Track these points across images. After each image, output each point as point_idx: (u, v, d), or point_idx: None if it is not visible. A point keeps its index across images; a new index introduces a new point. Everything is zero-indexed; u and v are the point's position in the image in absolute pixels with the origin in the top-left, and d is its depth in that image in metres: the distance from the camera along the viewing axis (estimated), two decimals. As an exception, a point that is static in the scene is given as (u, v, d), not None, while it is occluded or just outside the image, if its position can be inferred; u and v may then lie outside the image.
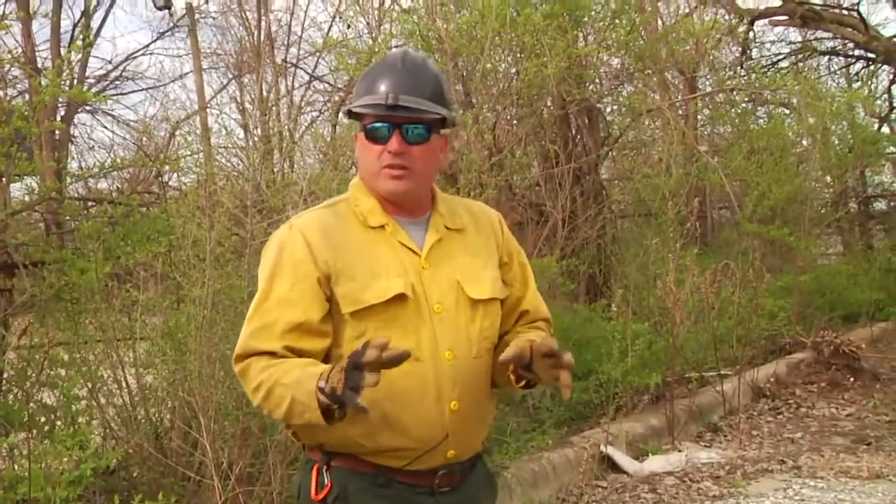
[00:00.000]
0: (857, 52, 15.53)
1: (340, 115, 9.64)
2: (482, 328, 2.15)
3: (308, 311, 2.05)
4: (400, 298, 2.05)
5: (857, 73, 16.18)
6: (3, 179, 4.79)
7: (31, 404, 4.16)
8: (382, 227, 2.12)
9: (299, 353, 2.04)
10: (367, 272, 2.07)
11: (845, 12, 14.00)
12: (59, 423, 4.31)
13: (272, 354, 2.04)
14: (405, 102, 2.06)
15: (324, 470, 2.09)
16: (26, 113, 4.48)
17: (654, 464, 6.09)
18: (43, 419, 4.22)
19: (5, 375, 4.37)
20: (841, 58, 16.09)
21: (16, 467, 4.09)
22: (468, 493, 2.18)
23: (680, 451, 6.43)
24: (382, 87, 2.09)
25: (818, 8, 13.36)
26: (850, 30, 13.58)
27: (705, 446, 6.74)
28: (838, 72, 16.35)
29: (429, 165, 2.15)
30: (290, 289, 2.06)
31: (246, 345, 2.06)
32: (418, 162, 2.10)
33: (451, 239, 2.19)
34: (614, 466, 5.96)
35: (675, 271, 6.70)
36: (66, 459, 3.69)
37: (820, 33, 14.76)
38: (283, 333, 2.04)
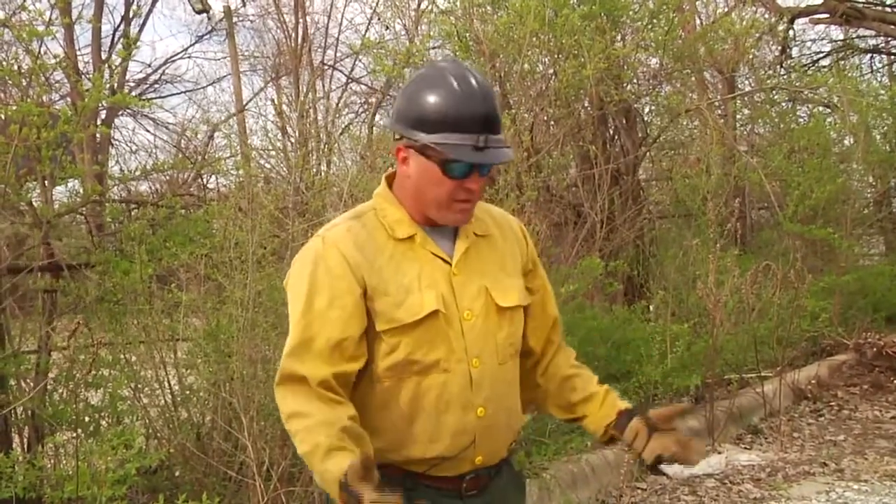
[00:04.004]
0: (900, 50, 15.31)
1: (377, 118, 9.69)
2: (508, 334, 2.16)
3: (347, 328, 2.02)
4: (433, 314, 2.04)
5: (900, 71, 15.95)
6: (47, 182, 4.86)
7: (78, 404, 4.22)
8: (411, 237, 2.10)
9: (336, 380, 2.01)
10: (400, 287, 2.05)
11: (888, 10, 13.79)
12: (103, 422, 4.37)
13: (307, 384, 1.99)
14: (493, 145, 2.01)
15: None
16: (71, 117, 4.54)
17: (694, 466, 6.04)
18: (87, 418, 4.28)
19: (51, 375, 4.44)
20: (884, 56, 15.86)
21: (59, 467, 4.18)
22: (496, 495, 2.17)
23: (720, 453, 6.38)
24: (466, 123, 1.99)
25: (860, 5, 13.18)
26: (893, 27, 13.37)
27: (746, 448, 6.68)
28: (881, 70, 16.12)
29: None
30: (328, 305, 2.02)
31: (286, 367, 2.02)
32: (480, 191, 2.10)
33: (479, 245, 2.18)
34: (654, 468, 5.92)
35: (715, 272, 6.65)
36: (109, 458, 3.74)
37: (862, 31, 14.55)
38: (322, 352, 2.00)
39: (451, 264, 2.12)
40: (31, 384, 4.39)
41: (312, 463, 1.95)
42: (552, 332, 2.33)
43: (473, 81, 2.03)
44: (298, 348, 2.02)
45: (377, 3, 11.28)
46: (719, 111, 10.27)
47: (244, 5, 14.68)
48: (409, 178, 2.09)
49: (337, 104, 11.52)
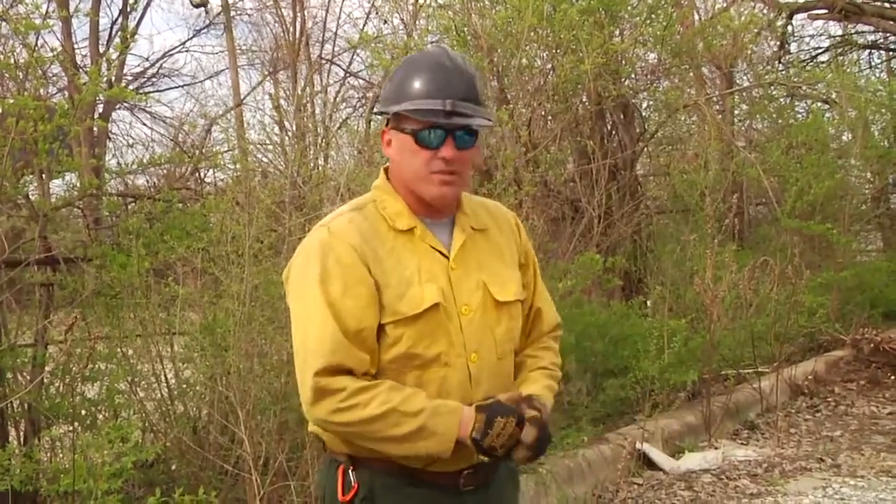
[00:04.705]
0: (899, 46, 15.31)
1: (375, 111, 9.67)
2: (506, 329, 2.17)
3: (365, 318, 2.01)
4: (433, 307, 2.05)
5: (898, 67, 15.95)
6: (44, 176, 4.84)
7: (74, 397, 4.22)
8: (411, 230, 2.11)
9: (373, 368, 2.04)
10: (401, 279, 2.06)
11: (887, 5, 13.78)
12: (100, 416, 4.36)
13: (352, 373, 2.00)
14: (462, 109, 2.04)
15: (349, 470, 2.10)
16: (68, 110, 4.53)
17: (691, 461, 6.05)
18: (84, 412, 4.28)
19: (47, 368, 4.43)
20: (882, 51, 15.85)
21: (55, 460, 4.17)
22: (493, 491, 2.18)
23: (717, 448, 6.39)
24: (435, 91, 2.04)
25: (859, 1, 13.17)
26: (892, 23, 13.37)
27: (742, 444, 6.70)
28: (880, 65, 16.11)
29: (470, 168, 2.17)
30: (343, 294, 2.01)
31: (330, 359, 1.98)
32: (465, 166, 2.11)
33: (476, 239, 2.19)
34: (650, 463, 5.94)
35: (713, 268, 6.65)
36: (106, 452, 3.73)
37: (861, 27, 14.54)
38: (346, 342, 1.99)
39: (448, 258, 2.12)
40: (28, 378, 4.39)
41: (412, 403, 1.98)
42: (533, 326, 2.33)
43: (448, 56, 2.10)
44: (333, 341, 1.99)
45: (375, -2, 11.25)
46: (717, 107, 10.27)
47: (242, -1, 14.64)
48: (394, 161, 2.14)
49: (334, 98, 11.52)
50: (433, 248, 2.11)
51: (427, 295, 2.05)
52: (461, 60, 2.13)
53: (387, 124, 2.15)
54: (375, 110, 2.24)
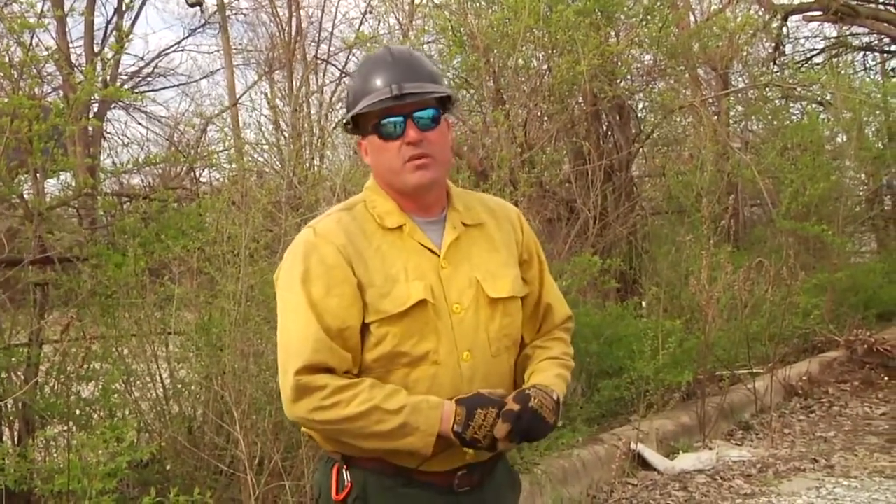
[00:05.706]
0: (893, 48, 15.35)
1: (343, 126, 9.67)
2: (501, 326, 2.13)
3: (348, 317, 2.01)
4: (420, 304, 2.03)
5: (893, 69, 16.00)
6: (38, 175, 4.83)
7: (69, 397, 4.21)
8: (400, 227, 2.10)
9: (355, 367, 2.04)
10: (387, 278, 2.04)
11: (881, 7, 13.82)
12: (95, 415, 4.36)
13: (333, 372, 2.00)
14: (410, 90, 2.02)
15: (343, 469, 2.09)
16: (63, 109, 4.52)
17: (685, 461, 6.06)
18: (79, 412, 4.27)
19: (42, 368, 4.42)
20: (877, 53, 15.90)
21: (50, 459, 4.16)
22: (490, 493, 2.16)
23: (711, 448, 6.40)
24: (380, 83, 2.04)
25: (854, 3, 13.20)
26: (886, 25, 13.40)
27: (737, 444, 6.70)
28: (874, 67, 16.17)
29: (446, 150, 2.14)
30: (326, 293, 2.01)
31: (311, 358, 1.98)
32: (436, 147, 2.09)
33: (470, 235, 2.16)
34: (645, 464, 5.94)
35: (708, 269, 6.65)
36: (101, 452, 3.73)
37: (855, 28, 14.59)
38: (328, 341, 1.99)
39: (439, 256, 2.11)
40: (23, 377, 4.38)
41: (394, 400, 1.97)
42: (544, 321, 2.30)
43: (390, 52, 2.12)
44: (316, 341, 1.99)
45: (371, -3, 11.26)
46: (713, 108, 10.28)
47: (238, -2, 14.64)
48: (372, 166, 2.15)
49: (330, 99, 11.50)
50: (423, 245, 2.10)
51: (413, 292, 2.03)
52: (406, 51, 2.15)
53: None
54: (343, 123, 2.22)
